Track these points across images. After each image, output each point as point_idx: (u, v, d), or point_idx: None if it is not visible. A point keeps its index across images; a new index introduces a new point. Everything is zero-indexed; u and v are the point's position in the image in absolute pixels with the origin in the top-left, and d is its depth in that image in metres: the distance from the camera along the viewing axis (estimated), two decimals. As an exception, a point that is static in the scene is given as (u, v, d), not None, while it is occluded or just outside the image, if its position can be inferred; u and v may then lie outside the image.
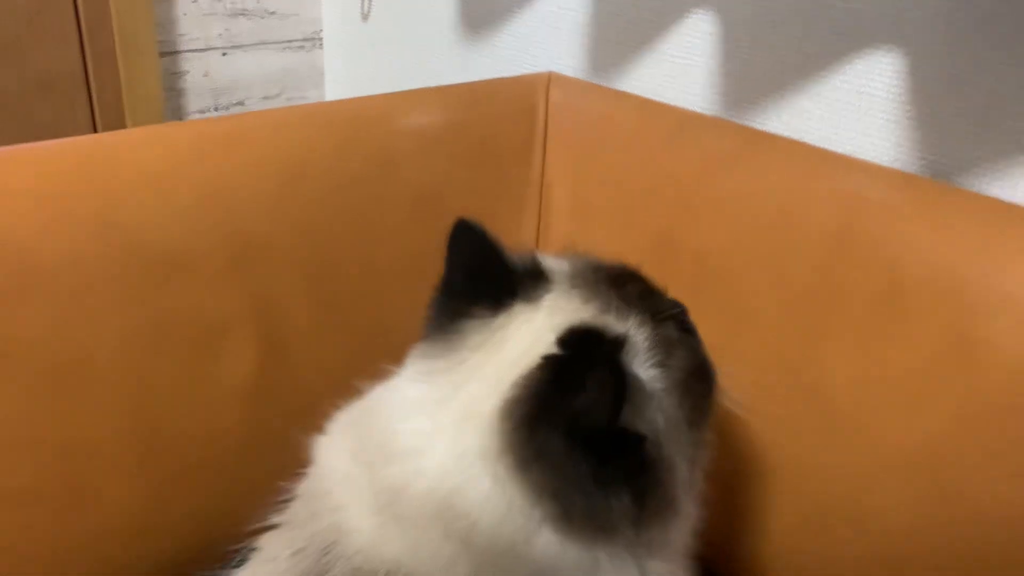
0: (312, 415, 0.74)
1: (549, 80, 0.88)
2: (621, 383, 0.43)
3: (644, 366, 0.47)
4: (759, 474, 0.70)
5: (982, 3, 0.62)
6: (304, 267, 0.72)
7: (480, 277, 0.50)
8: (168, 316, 0.66)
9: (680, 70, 0.85)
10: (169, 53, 1.22)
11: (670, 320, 0.51)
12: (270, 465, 0.74)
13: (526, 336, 0.47)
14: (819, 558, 0.66)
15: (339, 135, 0.74)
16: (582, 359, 0.44)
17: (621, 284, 0.51)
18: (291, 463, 0.75)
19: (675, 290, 0.74)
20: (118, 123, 1.18)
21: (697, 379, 0.50)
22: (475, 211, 0.83)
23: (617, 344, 0.46)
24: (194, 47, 1.24)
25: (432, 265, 0.80)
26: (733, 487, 0.72)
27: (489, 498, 0.44)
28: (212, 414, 0.70)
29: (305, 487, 0.53)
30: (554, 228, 0.86)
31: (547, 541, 0.44)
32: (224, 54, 1.27)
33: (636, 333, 0.47)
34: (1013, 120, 0.62)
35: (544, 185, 0.86)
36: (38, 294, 0.60)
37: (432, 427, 0.47)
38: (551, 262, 0.52)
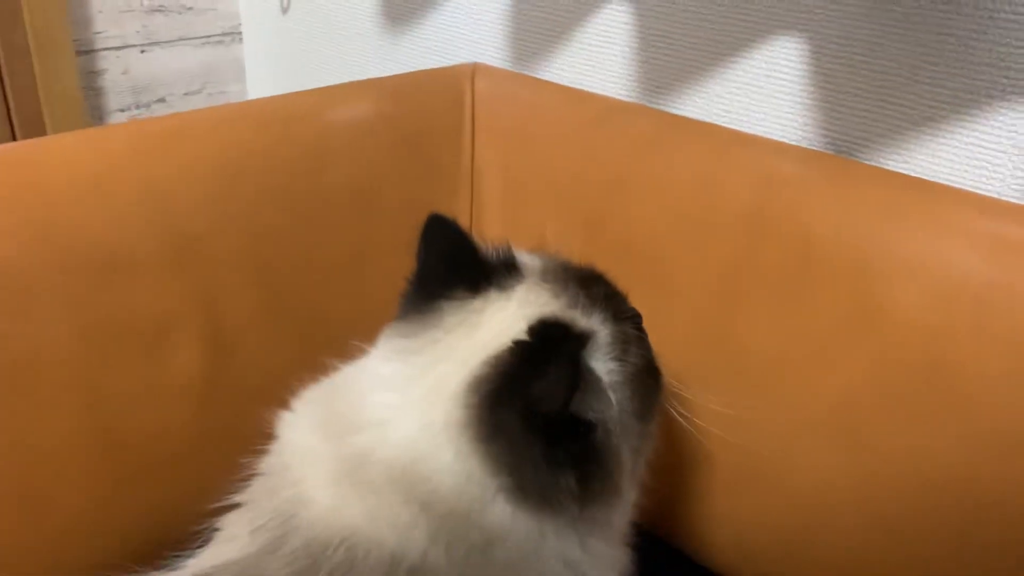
0: (260, 409, 0.76)
1: (474, 71, 0.90)
2: (577, 376, 0.47)
3: (603, 360, 0.51)
4: (690, 438, 0.74)
5: (874, -8, 0.67)
6: (245, 263, 0.73)
7: (456, 264, 0.53)
8: (113, 317, 0.67)
9: (600, 59, 0.89)
10: (86, 52, 1.20)
11: (629, 321, 0.55)
12: (220, 461, 0.75)
13: (499, 321, 0.51)
14: (750, 514, 0.71)
15: (274, 131, 0.75)
16: (548, 348, 0.48)
17: (588, 284, 0.55)
18: (239, 459, 0.77)
19: (604, 268, 0.78)
20: (36, 123, 1.16)
21: (648, 376, 0.54)
22: (408, 201, 0.86)
23: (582, 339, 0.50)
24: (111, 45, 1.22)
25: (371, 256, 0.83)
26: (666, 451, 0.76)
27: (451, 467, 0.47)
28: (161, 413, 0.70)
29: (266, 464, 0.55)
30: (487, 215, 0.88)
31: (500, 510, 0.47)
32: (143, 51, 1.26)
33: (599, 329, 0.52)
34: (902, 99, 0.68)
35: (475, 173, 0.89)
36: (-18, 299, 0.60)
37: (401, 400, 0.50)
38: (524, 256, 0.56)
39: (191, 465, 0.73)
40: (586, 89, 0.89)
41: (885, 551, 0.63)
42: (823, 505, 0.65)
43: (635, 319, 0.57)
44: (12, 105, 1.16)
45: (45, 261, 0.63)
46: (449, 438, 0.48)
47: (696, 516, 0.75)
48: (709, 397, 0.72)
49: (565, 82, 0.92)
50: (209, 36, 1.32)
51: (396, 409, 0.50)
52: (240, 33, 1.35)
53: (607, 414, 0.49)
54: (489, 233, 0.89)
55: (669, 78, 0.83)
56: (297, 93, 0.80)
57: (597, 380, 0.50)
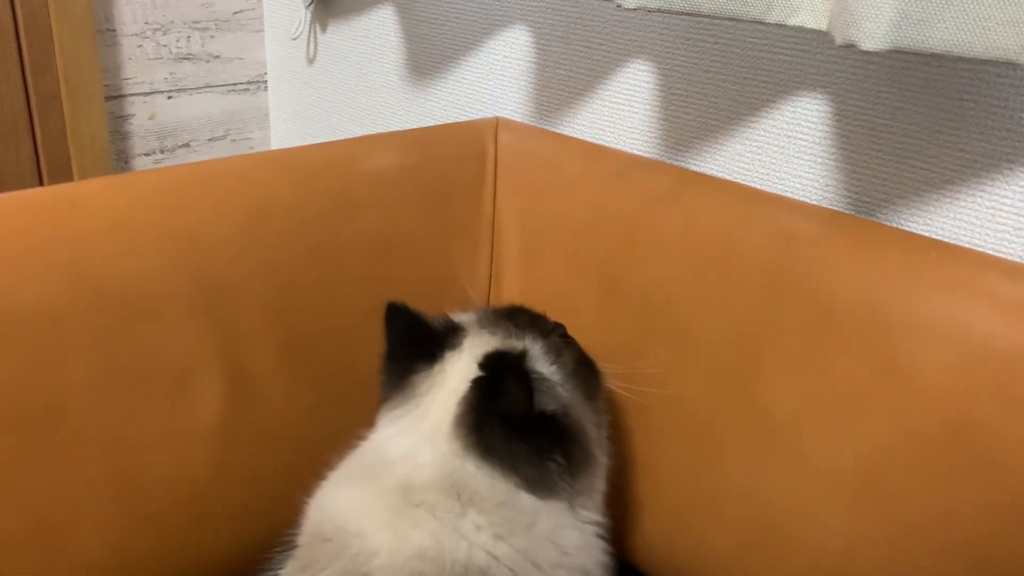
0: (279, 453, 0.76)
1: (497, 125, 0.92)
2: (527, 382, 0.60)
3: (544, 365, 0.65)
4: (703, 493, 0.74)
5: (895, 58, 0.68)
6: (268, 309, 0.74)
7: (414, 343, 0.66)
8: (137, 360, 0.67)
9: (621, 116, 0.90)
10: (115, 97, 1.23)
11: (554, 333, 0.69)
12: (236, 503, 0.76)
13: (458, 372, 0.64)
14: (766, 574, 0.70)
15: (299, 179, 0.77)
16: (498, 373, 0.61)
17: (514, 316, 0.69)
18: (256, 503, 0.77)
19: (624, 322, 0.79)
20: (63, 167, 1.18)
21: (584, 368, 0.68)
22: (430, 251, 0.87)
23: (520, 356, 0.64)
24: (140, 91, 1.25)
25: (393, 299, 0.83)
26: (679, 506, 0.76)
27: (478, 475, 0.60)
28: (180, 456, 0.71)
29: (310, 534, 0.62)
30: (506, 267, 0.89)
31: (526, 498, 0.60)
32: (169, 97, 1.28)
33: (532, 346, 0.66)
34: (924, 161, 0.69)
35: (495, 225, 0.90)
36: (10, 341, 0.61)
37: (411, 444, 0.62)
38: (461, 317, 0.70)
39: (209, 509, 0.73)
40: (607, 145, 0.90)
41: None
42: (844, 568, 0.64)
43: (558, 331, 0.70)
44: (41, 149, 1.19)
45: (73, 304, 0.64)
46: (467, 460, 0.60)
47: (704, 570, 0.74)
48: (721, 453, 0.72)
49: (586, 138, 0.93)
50: (235, 84, 1.34)
51: (411, 448, 0.62)
52: (266, 81, 1.38)
53: (563, 403, 0.63)
54: (508, 285, 0.89)
55: (690, 136, 0.84)
56: (324, 144, 0.82)
57: (545, 380, 0.63)
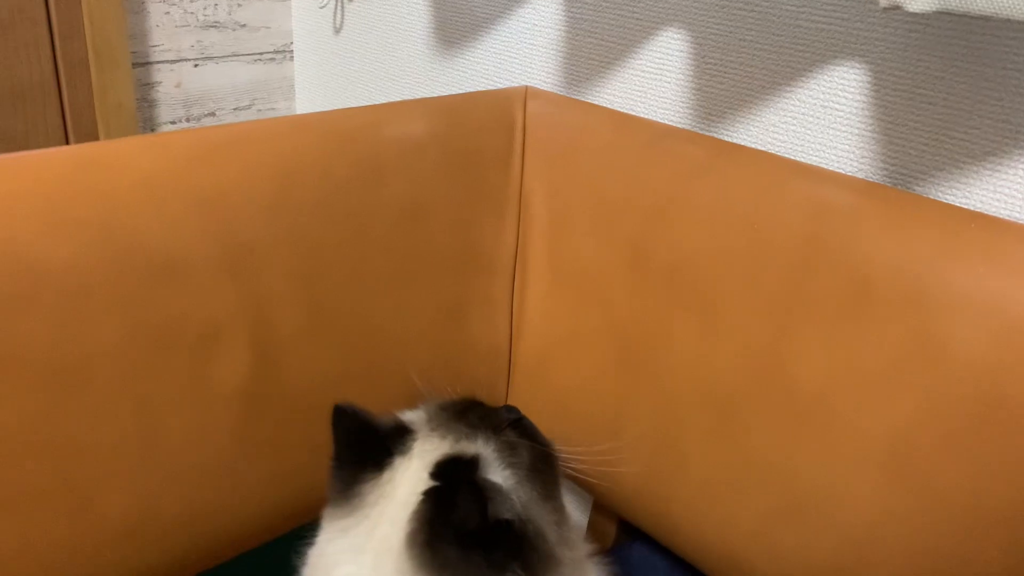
0: (305, 420, 0.76)
1: (526, 93, 0.91)
2: (480, 493, 0.56)
3: (497, 470, 0.61)
4: (729, 468, 0.73)
5: (938, 25, 0.67)
6: (295, 274, 0.74)
7: (362, 447, 0.63)
8: (165, 320, 0.67)
9: (652, 85, 0.89)
10: (142, 64, 1.23)
11: (508, 429, 0.65)
12: (261, 468, 0.76)
13: (408, 481, 0.61)
14: (793, 548, 0.69)
15: (328, 144, 0.76)
16: (450, 484, 0.58)
17: (465, 414, 0.66)
18: (281, 466, 0.77)
19: (652, 295, 0.78)
20: (90, 134, 1.18)
21: (540, 465, 0.64)
22: (457, 220, 0.86)
23: (473, 464, 0.60)
24: (166, 58, 1.24)
25: (417, 273, 0.83)
26: (704, 481, 0.75)
27: None
28: (206, 417, 0.71)
29: None
30: (533, 236, 0.88)
31: None
32: (196, 65, 1.28)
33: (484, 449, 0.62)
34: (964, 132, 0.67)
35: (523, 195, 0.89)
36: (40, 298, 0.61)
37: (356, 569, 0.59)
38: (411, 415, 0.67)
39: (235, 473, 0.73)
40: (637, 115, 0.89)
41: (938, 592, 0.61)
42: (876, 541, 0.64)
43: (514, 422, 0.67)
44: (68, 116, 1.19)
45: (101, 263, 0.64)
46: None
47: (733, 546, 0.74)
48: (752, 427, 0.71)
49: (617, 108, 0.92)
50: (261, 53, 1.34)
51: (355, 574, 0.59)
52: (291, 51, 1.37)
53: (518, 510, 0.59)
54: (535, 256, 0.89)
55: (723, 106, 0.83)
56: (352, 109, 0.81)
57: (499, 488, 0.59)
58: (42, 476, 0.63)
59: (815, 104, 0.76)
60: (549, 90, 0.98)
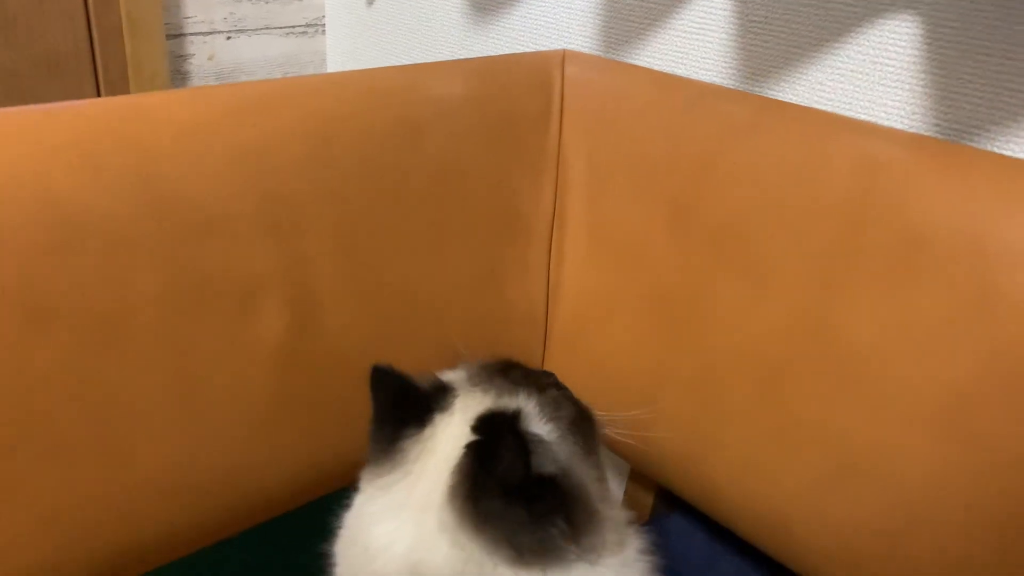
0: (341, 378, 0.75)
1: (564, 57, 0.89)
2: (523, 445, 0.56)
3: (540, 424, 0.60)
4: (775, 430, 0.72)
5: (996, -28, 0.65)
6: (333, 232, 0.73)
7: (403, 406, 0.62)
8: (203, 274, 0.67)
9: (693, 45, 0.87)
10: (175, 36, 1.22)
11: (550, 387, 0.65)
12: (298, 428, 0.75)
13: (450, 436, 0.60)
14: (843, 510, 0.67)
15: (366, 102, 0.75)
16: (493, 437, 0.57)
17: (506, 373, 0.65)
18: (318, 427, 0.76)
19: (695, 256, 0.76)
20: (124, 104, 1.18)
21: (581, 422, 0.64)
22: (494, 182, 0.85)
23: (515, 417, 0.59)
24: (200, 30, 1.24)
25: (454, 234, 0.82)
26: (748, 444, 0.74)
27: (448, 556, 0.56)
28: (244, 374, 0.70)
29: None
30: (571, 200, 0.87)
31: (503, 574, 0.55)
32: (228, 38, 1.28)
33: (526, 404, 0.61)
34: (1023, 84, 0.65)
35: (561, 158, 0.88)
36: (79, 249, 0.61)
37: (397, 525, 0.58)
38: (450, 375, 0.66)
39: (268, 430, 0.73)
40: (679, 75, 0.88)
41: (994, 552, 0.59)
42: (930, 501, 0.62)
43: (554, 383, 0.67)
44: (103, 86, 1.19)
45: (140, 214, 0.63)
46: (443, 537, 0.56)
47: (782, 509, 0.72)
48: (802, 388, 0.70)
49: (657, 69, 0.90)
50: (293, 26, 1.33)
51: (395, 531, 0.58)
52: (323, 25, 1.36)
53: (561, 463, 0.59)
54: (573, 219, 0.87)
55: (767, 65, 0.81)
56: (390, 68, 0.80)
57: (542, 441, 0.59)
58: (80, 428, 0.62)
59: (864, 60, 0.74)
60: (588, 52, 0.96)
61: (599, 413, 0.68)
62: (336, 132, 0.72)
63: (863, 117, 0.75)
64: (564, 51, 0.90)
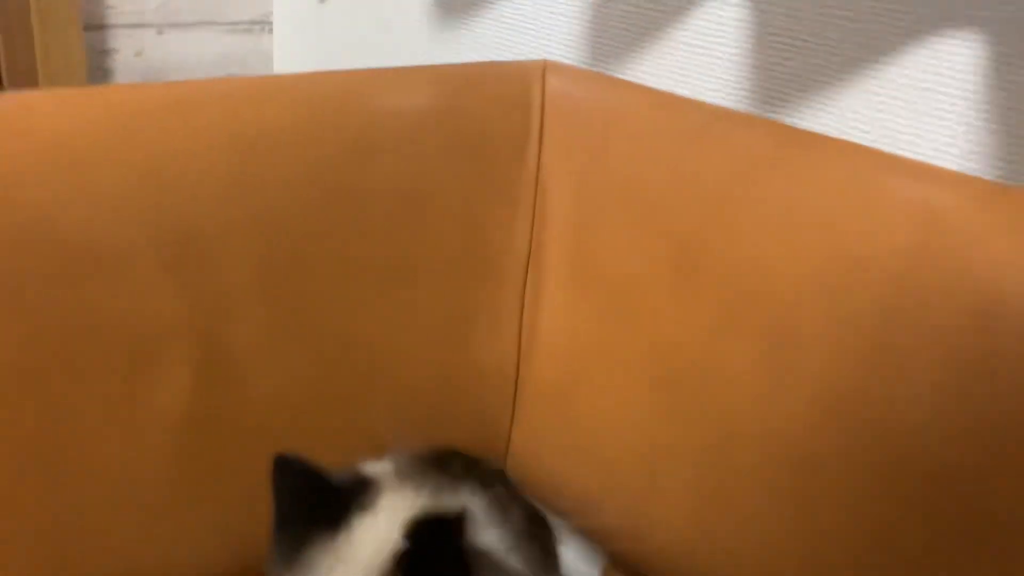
0: (261, 455, 0.62)
1: (545, 68, 0.78)
2: (466, 561, 0.46)
3: (486, 530, 0.51)
4: (812, 544, 0.59)
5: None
6: (257, 269, 0.61)
7: (312, 505, 0.52)
8: (87, 323, 0.54)
9: (698, 60, 0.76)
10: (95, 27, 1.10)
11: (497, 483, 0.56)
12: (206, 518, 0.62)
13: (373, 542, 0.50)
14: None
15: (307, 113, 0.63)
16: (430, 548, 0.47)
17: (444, 465, 0.56)
18: (232, 516, 0.63)
19: (703, 310, 0.65)
20: (32, 103, 1.03)
21: (536, 528, 0.56)
22: (461, 212, 0.73)
23: (458, 521, 0.49)
24: (125, 22, 1.12)
25: (414, 272, 0.69)
26: (778, 553, 0.61)
27: None
28: (137, 452, 0.58)
29: None
30: (552, 235, 0.75)
31: None
32: (160, 32, 1.16)
33: (471, 502, 0.52)
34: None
35: (540, 186, 0.76)
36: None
37: None
38: (374, 467, 0.56)
39: (169, 510, 0.60)
40: (682, 95, 0.76)
41: None
42: None
43: (500, 479, 0.58)
44: (6, 84, 1.06)
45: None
46: None
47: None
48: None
49: (656, 86, 0.79)
50: (236, 23, 1.22)
51: None
52: (271, 23, 1.25)
53: None
54: (554, 257, 0.76)
55: (787, 87, 0.70)
56: (339, 72, 0.69)
57: (488, 556, 0.50)
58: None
59: (909, 86, 0.63)
60: (574, 64, 0.86)
61: (562, 517, 0.60)
62: (265, 148, 0.60)
63: (908, 154, 0.64)
64: (545, 61, 0.79)
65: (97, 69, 1.11)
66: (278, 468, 0.52)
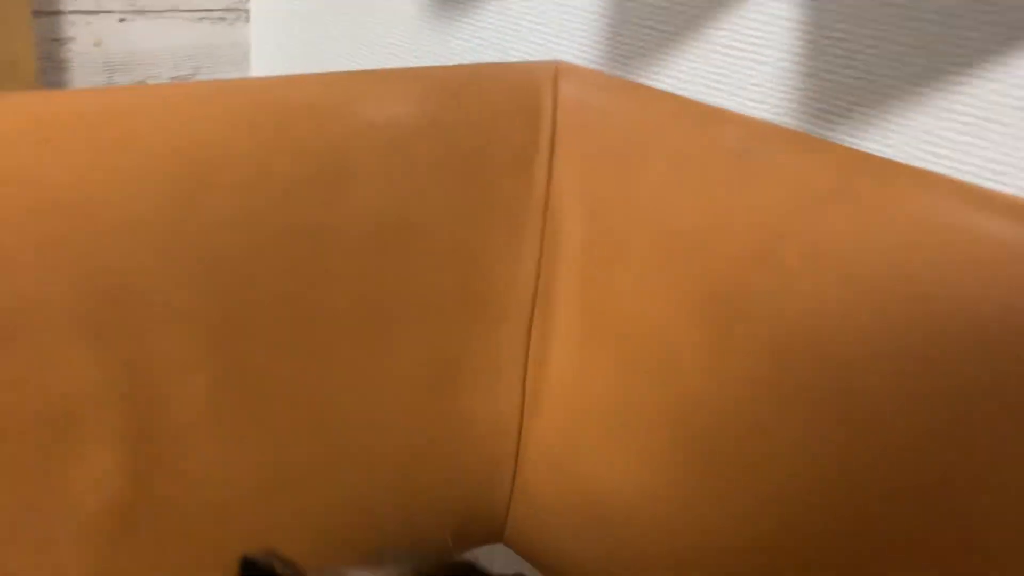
0: (209, 552, 0.53)
1: (556, 71, 0.70)
2: None
3: None
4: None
5: None
6: (203, 324, 0.52)
7: None
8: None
9: (737, 66, 0.68)
10: (47, 13, 1.02)
11: None
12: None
13: None
14: None
15: (267, 127, 0.54)
16: None
17: None
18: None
19: (741, 369, 0.56)
20: (-27, 98, 0.94)
21: None
22: (457, 244, 0.62)
23: None
24: (82, 7, 1.04)
25: (399, 320, 0.59)
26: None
27: None
28: (54, 550, 0.49)
29: None
30: (563, 270, 0.68)
31: None
32: (122, 20, 1.08)
33: None
34: None
35: (549, 212, 0.68)
36: None
37: None
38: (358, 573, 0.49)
39: None
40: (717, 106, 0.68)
41: None
42: None
43: None
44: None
45: None
46: None
47: None
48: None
49: (686, 95, 0.71)
50: (209, 10, 1.15)
51: None
52: (247, 10, 1.18)
53: None
54: (564, 297, 0.68)
55: (848, 101, 0.62)
56: (308, 76, 0.60)
57: None
58: None
59: (1000, 104, 0.54)
60: (590, 67, 0.78)
61: None
62: (215, 172, 0.51)
63: (994, 185, 0.55)
64: (557, 62, 0.70)
65: (48, 60, 1.03)
66: (246, 570, 0.45)
